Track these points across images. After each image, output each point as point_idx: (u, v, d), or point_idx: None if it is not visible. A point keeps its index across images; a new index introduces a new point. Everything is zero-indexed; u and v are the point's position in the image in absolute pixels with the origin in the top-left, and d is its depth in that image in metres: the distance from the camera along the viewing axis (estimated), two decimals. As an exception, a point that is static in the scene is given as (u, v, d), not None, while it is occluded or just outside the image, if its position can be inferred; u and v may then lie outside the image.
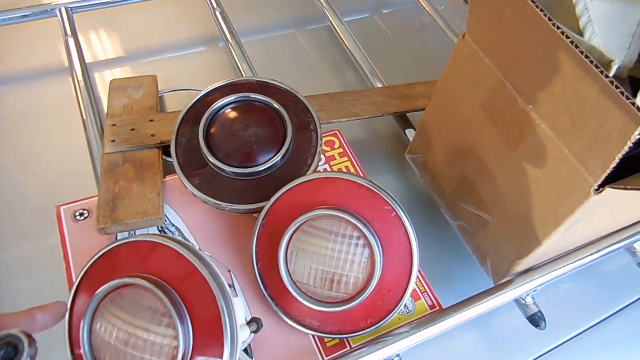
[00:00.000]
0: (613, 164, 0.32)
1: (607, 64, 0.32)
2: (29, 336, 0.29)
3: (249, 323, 0.42)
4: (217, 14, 0.69)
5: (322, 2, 0.75)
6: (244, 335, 0.40)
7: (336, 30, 0.72)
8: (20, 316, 0.32)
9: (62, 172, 0.58)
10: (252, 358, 0.44)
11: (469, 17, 0.40)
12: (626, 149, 0.31)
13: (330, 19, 0.73)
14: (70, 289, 0.38)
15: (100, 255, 0.38)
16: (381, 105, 0.58)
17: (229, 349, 0.35)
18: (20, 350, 0.28)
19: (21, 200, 0.56)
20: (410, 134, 0.60)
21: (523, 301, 0.50)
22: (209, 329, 0.36)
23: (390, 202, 0.43)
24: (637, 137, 0.30)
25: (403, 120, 0.61)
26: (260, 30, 0.77)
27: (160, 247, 0.37)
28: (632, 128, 0.29)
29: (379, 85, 0.65)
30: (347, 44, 0.70)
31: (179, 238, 0.41)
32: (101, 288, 0.35)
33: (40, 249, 0.52)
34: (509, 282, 0.47)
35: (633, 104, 0.29)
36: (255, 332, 0.42)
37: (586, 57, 0.30)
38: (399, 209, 0.43)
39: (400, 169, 0.62)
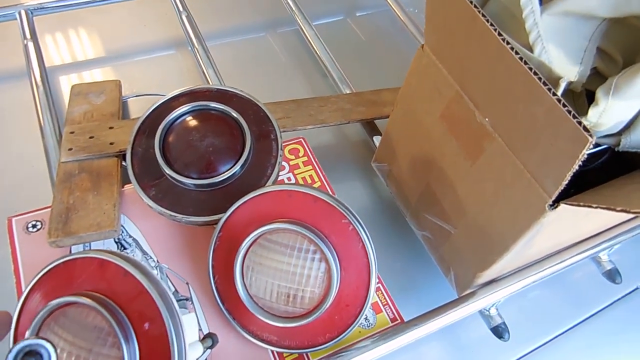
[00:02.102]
0: (565, 182, 0.32)
1: (556, 81, 0.32)
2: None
3: (203, 339, 0.41)
4: (183, 17, 0.68)
5: (292, 6, 0.74)
6: (197, 353, 0.39)
7: (305, 35, 0.71)
8: None
9: (18, 181, 0.57)
10: (208, 374, 0.43)
11: (426, 28, 0.40)
12: (576, 167, 0.30)
13: (299, 23, 0.72)
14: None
15: (47, 272, 0.37)
16: (348, 113, 0.58)
17: (177, 368, 0.34)
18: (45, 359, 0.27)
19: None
20: (377, 141, 0.59)
21: (487, 312, 0.49)
22: (156, 349, 0.35)
23: (347, 216, 0.42)
24: (586, 155, 0.29)
25: (371, 127, 0.60)
26: (228, 34, 0.76)
27: (106, 264, 0.36)
28: (580, 147, 0.29)
29: (348, 91, 0.64)
30: (316, 49, 0.69)
31: (127, 254, 0.39)
32: (44, 307, 0.34)
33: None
34: (472, 294, 0.47)
35: (580, 123, 0.28)
36: (210, 347, 0.41)
37: (535, 74, 0.29)
38: (356, 222, 0.42)
39: (368, 177, 0.62)
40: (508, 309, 0.49)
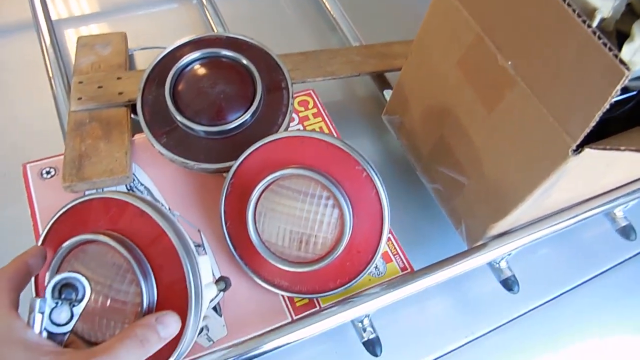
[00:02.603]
0: (592, 123, 0.31)
1: (591, 14, 0.31)
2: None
3: (217, 282, 0.41)
4: (190, -33, 0.66)
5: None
6: (211, 293, 0.39)
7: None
8: (15, 266, 0.32)
9: (29, 131, 0.57)
10: (221, 316, 0.44)
11: (446, -32, 0.38)
12: (607, 106, 0.29)
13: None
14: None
15: (65, 211, 0.37)
16: (358, 65, 0.57)
17: (193, 306, 0.35)
18: (80, 291, 0.31)
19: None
20: (388, 95, 0.58)
21: (497, 265, 0.49)
22: (173, 287, 0.35)
23: (361, 162, 0.42)
24: (619, 94, 0.28)
25: (381, 81, 0.59)
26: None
27: (123, 204, 0.36)
28: (614, 83, 0.28)
29: (358, 44, 0.63)
30: (324, 1, 0.68)
31: (144, 196, 0.40)
32: (64, 244, 0.34)
33: (7, 209, 0.51)
34: (483, 245, 0.47)
35: (616, 56, 0.27)
36: (223, 290, 0.42)
37: (568, 5, 0.28)
38: (370, 169, 0.42)
39: (377, 132, 0.61)
40: (518, 265, 0.49)
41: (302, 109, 0.54)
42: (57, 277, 0.31)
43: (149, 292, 0.34)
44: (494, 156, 0.41)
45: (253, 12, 0.71)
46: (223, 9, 0.64)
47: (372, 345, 0.43)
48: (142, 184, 0.48)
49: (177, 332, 0.33)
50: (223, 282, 0.41)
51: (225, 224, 0.44)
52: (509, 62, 0.36)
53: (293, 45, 0.65)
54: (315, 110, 0.54)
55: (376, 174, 0.42)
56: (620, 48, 0.30)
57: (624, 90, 0.34)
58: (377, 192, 0.42)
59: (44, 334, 0.30)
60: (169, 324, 0.33)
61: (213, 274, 0.45)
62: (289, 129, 0.51)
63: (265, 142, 0.43)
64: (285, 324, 0.42)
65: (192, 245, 0.36)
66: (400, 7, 0.75)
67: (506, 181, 0.41)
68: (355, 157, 0.42)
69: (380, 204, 0.42)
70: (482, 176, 0.43)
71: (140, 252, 0.35)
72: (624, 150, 0.29)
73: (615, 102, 0.31)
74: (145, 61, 0.63)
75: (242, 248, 0.44)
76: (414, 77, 0.48)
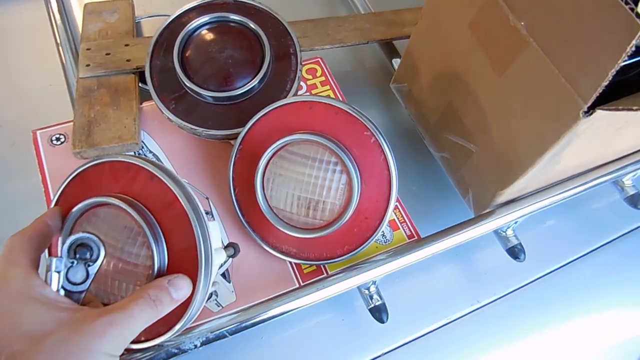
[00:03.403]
0: (605, 82, 0.31)
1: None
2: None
3: (226, 248, 0.42)
4: None
5: None
6: (220, 258, 0.40)
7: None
8: (35, 226, 0.33)
9: (38, 98, 0.57)
10: (230, 282, 0.44)
11: None
12: (621, 62, 0.29)
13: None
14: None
15: (77, 175, 0.37)
16: (367, 32, 0.56)
17: (203, 271, 0.35)
18: (95, 252, 0.32)
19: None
20: (397, 64, 0.57)
21: (503, 233, 0.49)
22: (184, 251, 0.35)
23: (369, 127, 0.42)
24: (633, 49, 0.28)
25: (390, 49, 0.59)
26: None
27: (134, 167, 0.36)
28: (629, 37, 0.27)
29: (366, 12, 0.62)
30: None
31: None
32: (76, 207, 0.35)
33: (18, 177, 0.51)
34: (490, 213, 0.47)
35: (632, 9, 0.27)
36: (232, 256, 0.42)
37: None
38: (378, 134, 0.42)
39: (385, 102, 0.60)
40: (525, 235, 0.49)
41: (310, 77, 0.54)
42: (72, 237, 0.31)
43: (160, 255, 0.35)
44: (503, 121, 0.41)
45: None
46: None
47: (378, 312, 0.44)
48: (150, 152, 0.48)
49: (188, 294, 0.34)
50: (232, 248, 0.42)
51: (234, 190, 0.45)
52: (522, 23, 0.35)
53: (301, 13, 0.64)
54: (323, 78, 0.54)
55: (384, 140, 0.42)
56: (636, 3, 0.29)
57: (637, 51, 0.33)
58: (385, 158, 0.42)
59: (61, 292, 0.31)
60: (181, 287, 0.33)
61: (222, 241, 0.46)
62: (297, 96, 0.51)
63: (274, 107, 0.43)
64: (293, 290, 0.42)
65: (202, 210, 0.36)
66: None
67: (515, 146, 0.40)
68: (364, 122, 0.42)
69: (389, 170, 0.42)
70: (491, 142, 0.43)
71: (151, 215, 0.35)
72: (637, 110, 0.29)
73: (628, 64, 0.31)
74: (151, 30, 0.62)
75: (250, 215, 0.45)
76: (423, 43, 0.48)
